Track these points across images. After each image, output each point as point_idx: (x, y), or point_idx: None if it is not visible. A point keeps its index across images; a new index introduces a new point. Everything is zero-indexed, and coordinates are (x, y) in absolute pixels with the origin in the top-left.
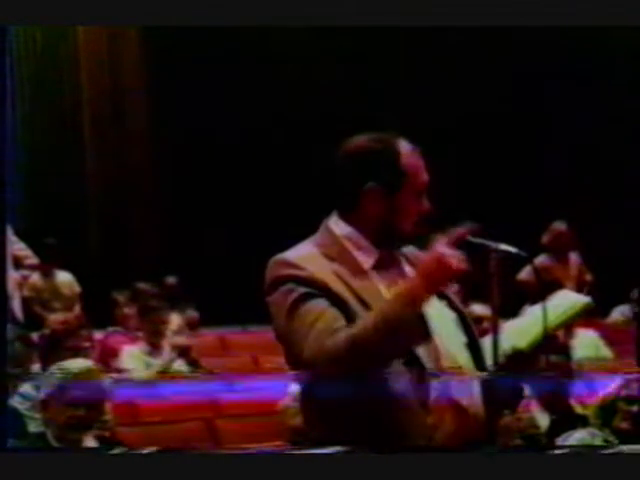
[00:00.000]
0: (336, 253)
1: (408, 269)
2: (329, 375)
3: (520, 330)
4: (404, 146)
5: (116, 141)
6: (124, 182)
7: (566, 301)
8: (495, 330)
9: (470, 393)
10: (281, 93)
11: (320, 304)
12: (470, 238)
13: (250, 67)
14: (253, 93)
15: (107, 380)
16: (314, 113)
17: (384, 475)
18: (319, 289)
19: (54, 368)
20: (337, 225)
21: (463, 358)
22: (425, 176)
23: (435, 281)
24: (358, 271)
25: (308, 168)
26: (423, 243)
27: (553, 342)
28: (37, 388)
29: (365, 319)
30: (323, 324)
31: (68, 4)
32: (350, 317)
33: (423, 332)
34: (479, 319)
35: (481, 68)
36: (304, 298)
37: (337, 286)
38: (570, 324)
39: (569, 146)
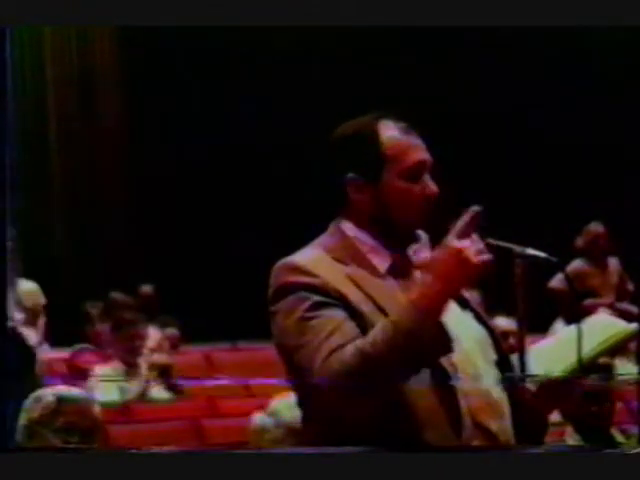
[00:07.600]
0: (350, 256)
1: (418, 274)
2: (340, 392)
3: (553, 354)
4: (386, 126)
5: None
6: (95, 178)
7: (605, 329)
8: (522, 347)
9: (500, 417)
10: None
11: (337, 315)
12: (491, 241)
13: (238, 62)
14: (235, 89)
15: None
16: (300, 108)
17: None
18: (335, 298)
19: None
20: (348, 226)
21: (491, 377)
22: (419, 156)
23: (454, 281)
24: (374, 275)
25: (300, 170)
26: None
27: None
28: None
29: (375, 331)
30: (340, 338)
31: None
32: (368, 330)
33: (444, 343)
34: (504, 334)
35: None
36: (318, 307)
37: (353, 295)
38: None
39: (607, 140)
